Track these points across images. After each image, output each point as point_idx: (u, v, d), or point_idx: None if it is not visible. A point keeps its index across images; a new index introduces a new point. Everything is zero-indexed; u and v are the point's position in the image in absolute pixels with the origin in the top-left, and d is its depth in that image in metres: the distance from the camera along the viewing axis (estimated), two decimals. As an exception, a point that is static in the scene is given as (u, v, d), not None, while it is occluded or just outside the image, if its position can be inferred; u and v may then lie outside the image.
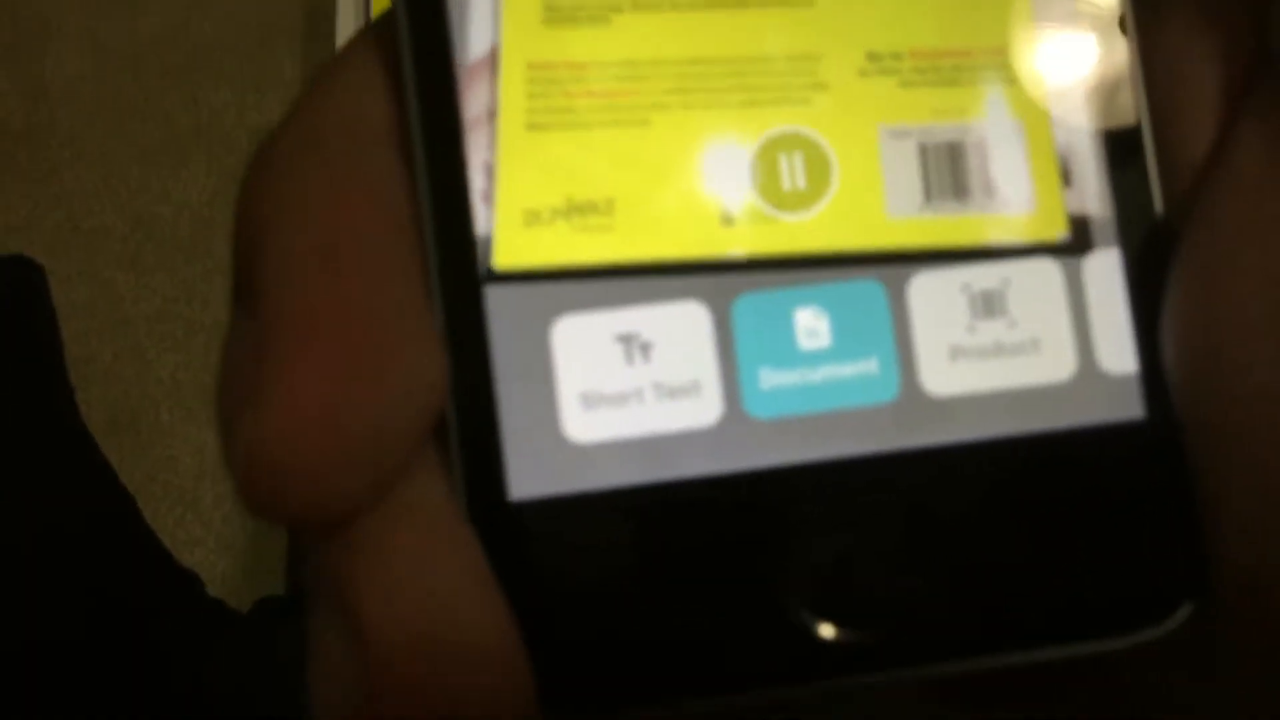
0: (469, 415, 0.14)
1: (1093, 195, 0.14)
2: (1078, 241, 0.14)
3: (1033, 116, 0.14)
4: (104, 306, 0.78)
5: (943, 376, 0.14)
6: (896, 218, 0.14)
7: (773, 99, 0.14)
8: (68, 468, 0.71)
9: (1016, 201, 0.14)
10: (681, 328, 0.14)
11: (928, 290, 0.14)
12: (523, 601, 0.13)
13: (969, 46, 0.14)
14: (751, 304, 0.14)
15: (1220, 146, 0.14)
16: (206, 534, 0.75)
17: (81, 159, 0.80)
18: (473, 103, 0.14)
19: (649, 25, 0.14)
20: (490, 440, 0.14)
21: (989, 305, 0.14)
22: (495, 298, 0.14)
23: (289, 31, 0.83)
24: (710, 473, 0.14)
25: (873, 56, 0.14)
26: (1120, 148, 0.15)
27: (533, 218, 0.14)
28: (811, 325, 0.14)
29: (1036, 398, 0.14)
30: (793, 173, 0.14)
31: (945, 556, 0.14)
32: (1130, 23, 0.15)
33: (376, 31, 0.14)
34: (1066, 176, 0.14)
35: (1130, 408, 0.14)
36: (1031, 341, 0.14)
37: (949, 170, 0.14)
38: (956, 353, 0.14)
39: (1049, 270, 0.14)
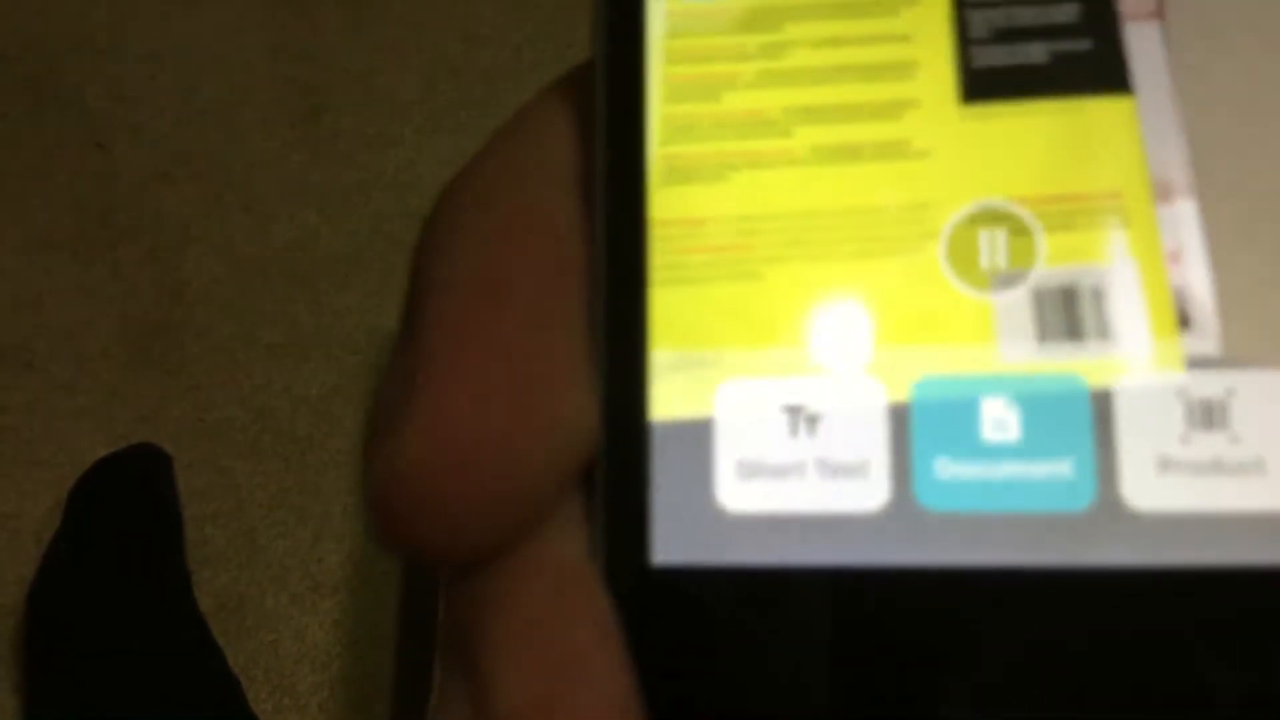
0: (618, 470, 0.13)
1: (1212, 336, 0.13)
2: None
3: (1148, 257, 0.14)
4: (221, 493, 0.81)
5: (1147, 489, 0.13)
6: (1010, 362, 0.13)
7: (885, 249, 0.14)
8: (180, 649, 0.73)
9: (1132, 343, 0.13)
10: (854, 403, 0.13)
11: (1138, 391, 0.13)
12: (651, 672, 0.12)
13: (1081, 191, 0.14)
14: (934, 387, 0.13)
15: None
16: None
17: (210, 354, 0.85)
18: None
19: (763, 182, 0.14)
20: (638, 499, 0.13)
21: (1208, 416, 0.13)
22: (661, 354, 0.13)
23: (408, 246, 0.89)
24: (870, 562, 0.13)
25: (984, 205, 0.14)
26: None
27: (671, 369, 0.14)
28: (1000, 416, 0.13)
29: (1260, 524, 0.13)
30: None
31: (1124, 690, 0.12)
32: None
33: (567, 83, 0.14)
34: (1184, 318, 0.13)
35: None
36: (1256, 461, 0.13)
37: (1063, 313, 0.14)
38: (1166, 464, 0.13)
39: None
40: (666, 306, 0.14)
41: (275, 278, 0.88)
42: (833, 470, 0.13)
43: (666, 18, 0.14)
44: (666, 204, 0.14)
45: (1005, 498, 0.13)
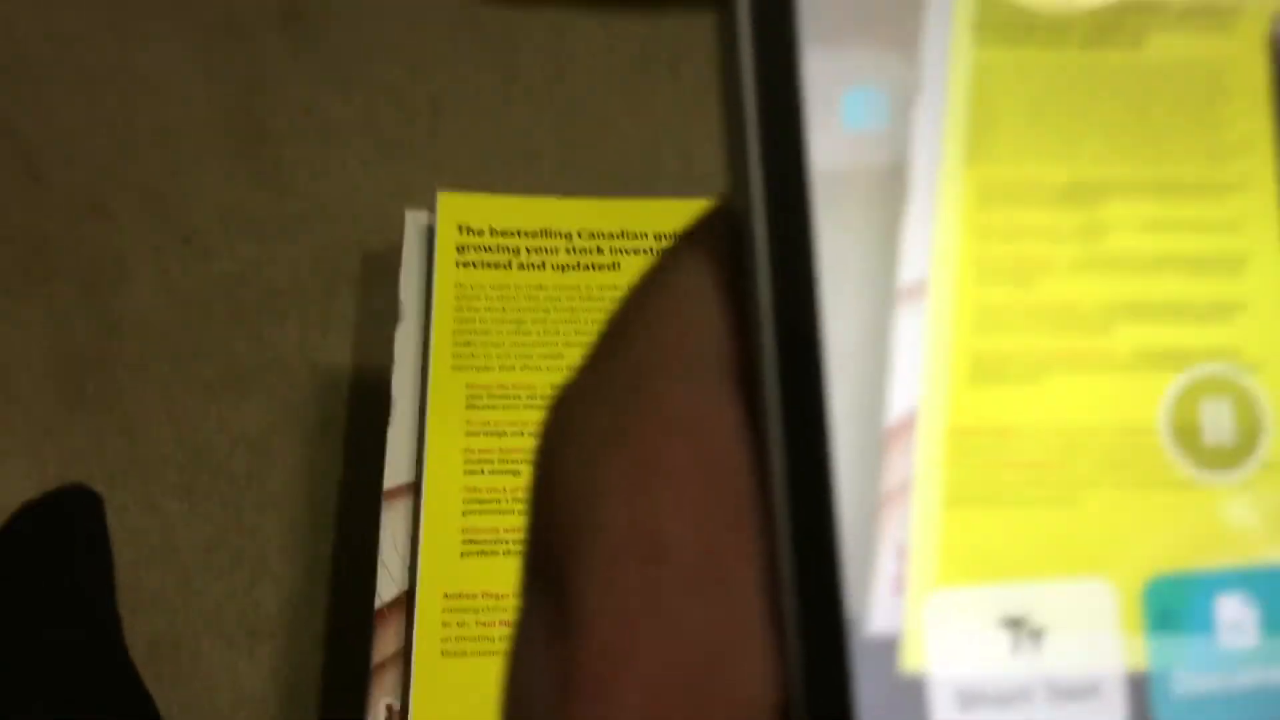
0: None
1: None
2: None
3: None
4: (155, 534, 0.79)
5: None
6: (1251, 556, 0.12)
7: (1214, 479, 0.12)
8: (109, 698, 0.71)
9: None
10: (1080, 610, 0.12)
11: None
12: None
13: None
14: (1169, 587, 0.12)
15: None
16: (239, 769, 0.74)
17: (145, 391, 0.83)
18: (889, 472, 0.12)
19: (1083, 387, 0.12)
20: None
21: None
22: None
23: (350, 278, 0.87)
24: None
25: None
26: None
27: (946, 611, 0.12)
28: (1236, 616, 0.12)
29: None
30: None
31: None
32: None
33: (704, 232, 0.12)
34: None
35: None
36: None
37: None
38: None
39: None
40: (971, 532, 0.12)
41: (213, 311, 0.86)
42: (1063, 693, 0.12)
43: (965, 183, 0.12)
44: (975, 409, 0.12)
45: (1250, 711, 0.12)
